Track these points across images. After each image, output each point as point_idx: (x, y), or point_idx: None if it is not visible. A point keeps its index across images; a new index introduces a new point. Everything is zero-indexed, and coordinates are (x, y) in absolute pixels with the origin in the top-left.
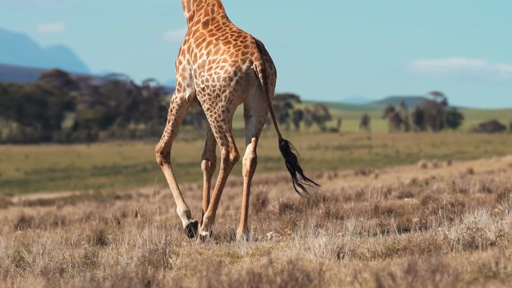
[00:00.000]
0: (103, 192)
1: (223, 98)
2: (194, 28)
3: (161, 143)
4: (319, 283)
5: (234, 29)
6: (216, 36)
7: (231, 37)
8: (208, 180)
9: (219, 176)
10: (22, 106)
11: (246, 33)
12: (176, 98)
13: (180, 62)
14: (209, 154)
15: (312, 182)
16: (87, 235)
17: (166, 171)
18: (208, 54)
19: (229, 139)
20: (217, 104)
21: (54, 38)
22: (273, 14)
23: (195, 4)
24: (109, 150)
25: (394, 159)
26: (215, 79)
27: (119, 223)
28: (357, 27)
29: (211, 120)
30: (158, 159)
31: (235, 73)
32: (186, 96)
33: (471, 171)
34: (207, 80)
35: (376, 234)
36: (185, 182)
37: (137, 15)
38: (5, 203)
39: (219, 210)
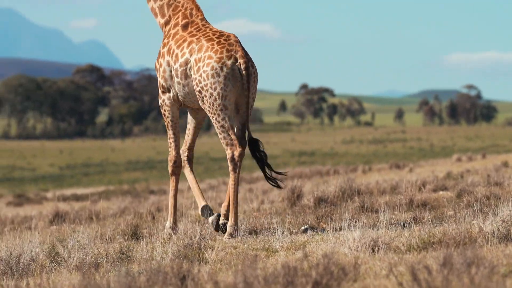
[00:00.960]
0: (137, 187)
1: (217, 96)
2: (173, 31)
3: (172, 153)
4: (355, 277)
5: (214, 29)
6: (197, 36)
7: (213, 35)
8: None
9: (230, 179)
10: (56, 101)
11: (229, 33)
12: (163, 100)
13: (161, 65)
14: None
15: (280, 173)
16: (122, 230)
17: (172, 184)
18: (191, 52)
19: (232, 136)
20: (213, 104)
21: (87, 34)
22: (307, 9)
23: (171, 9)
24: (143, 144)
25: (428, 153)
26: (205, 78)
27: (153, 217)
28: (391, 21)
29: (214, 122)
30: (170, 169)
31: (221, 69)
32: (171, 96)
33: (505, 164)
34: (200, 82)
35: (411, 227)
36: (218, 176)
37: None
38: (40, 198)
39: (254, 204)
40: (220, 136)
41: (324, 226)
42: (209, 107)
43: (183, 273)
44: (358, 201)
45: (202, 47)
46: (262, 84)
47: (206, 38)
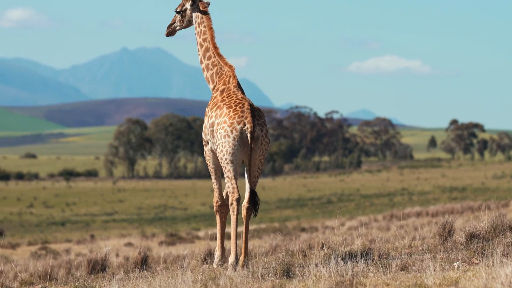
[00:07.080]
0: (288, 225)
1: (225, 152)
2: (214, 95)
3: (215, 196)
4: None
5: (239, 97)
6: (224, 102)
7: (233, 103)
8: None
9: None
10: None
11: (246, 101)
12: (205, 152)
13: (203, 122)
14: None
15: None
16: (274, 268)
17: (218, 221)
18: (216, 116)
19: (234, 185)
20: (222, 158)
21: (238, 72)
22: (455, 44)
23: (218, 76)
24: (294, 182)
25: None
26: (219, 137)
27: (305, 255)
28: None
29: (224, 172)
30: (215, 208)
31: (232, 131)
32: (210, 148)
33: None
34: (216, 141)
35: None
36: (369, 213)
37: (319, 47)
38: (192, 237)
39: (405, 241)
40: (227, 184)
41: (476, 262)
42: (220, 160)
43: None
44: (510, 236)
45: (223, 113)
46: (411, 121)
47: (227, 105)
